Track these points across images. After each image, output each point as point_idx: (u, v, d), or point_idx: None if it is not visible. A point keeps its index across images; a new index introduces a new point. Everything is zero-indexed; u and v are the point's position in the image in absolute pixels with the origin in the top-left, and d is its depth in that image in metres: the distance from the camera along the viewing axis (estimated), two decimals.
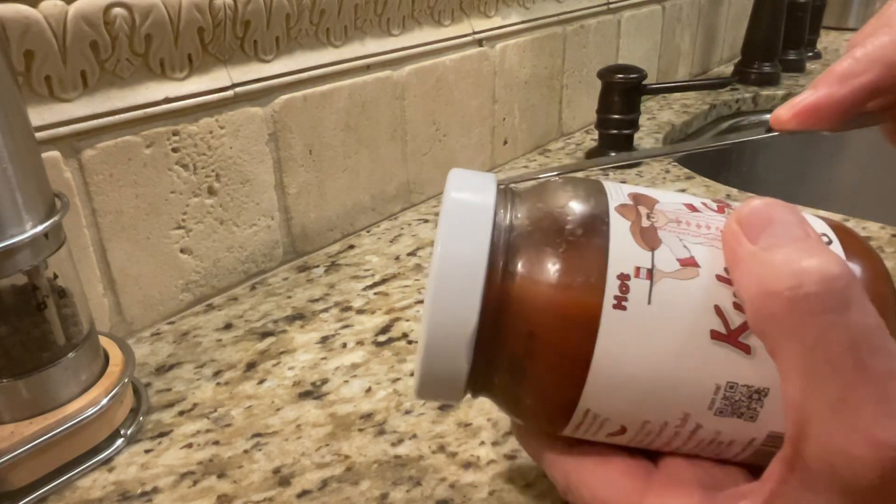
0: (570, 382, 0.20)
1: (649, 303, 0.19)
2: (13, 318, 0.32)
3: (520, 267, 0.20)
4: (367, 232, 0.60)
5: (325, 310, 0.48)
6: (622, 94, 0.72)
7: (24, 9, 0.36)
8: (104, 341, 0.38)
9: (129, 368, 0.37)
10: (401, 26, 0.58)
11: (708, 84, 0.81)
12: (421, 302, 0.48)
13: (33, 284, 0.32)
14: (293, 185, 0.53)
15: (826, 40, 1.35)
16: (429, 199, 0.66)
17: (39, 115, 0.38)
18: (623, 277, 0.19)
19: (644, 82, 0.72)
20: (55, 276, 0.33)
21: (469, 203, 0.21)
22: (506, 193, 0.22)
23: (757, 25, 1.01)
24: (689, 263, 0.20)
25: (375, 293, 0.50)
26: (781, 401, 0.18)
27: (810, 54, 1.17)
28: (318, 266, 0.54)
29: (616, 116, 0.73)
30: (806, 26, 1.11)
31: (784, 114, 0.25)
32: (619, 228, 0.20)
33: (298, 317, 0.47)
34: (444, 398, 0.23)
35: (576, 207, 0.21)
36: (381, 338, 0.44)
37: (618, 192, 0.22)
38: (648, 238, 0.20)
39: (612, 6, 0.85)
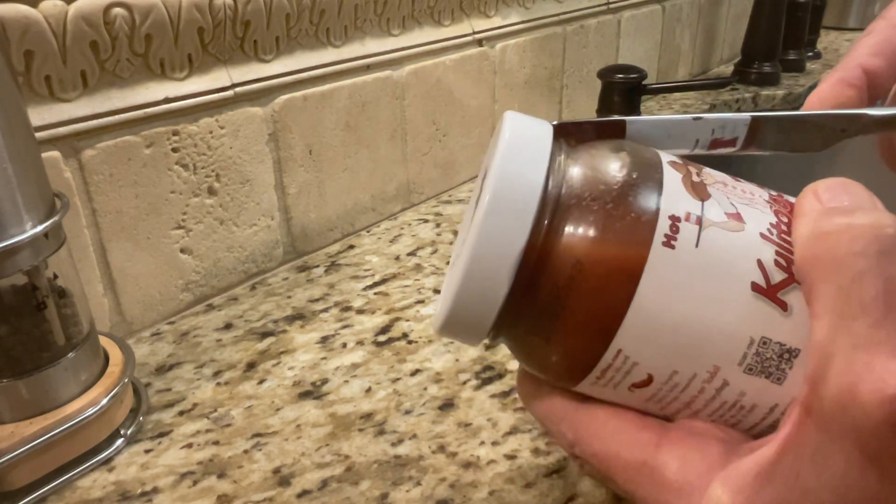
0: (610, 316, 0.20)
1: (697, 246, 0.20)
2: (13, 318, 0.32)
3: (574, 197, 0.21)
4: (367, 232, 0.60)
5: (325, 310, 0.48)
6: (622, 94, 0.72)
7: (24, 9, 0.36)
8: (104, 341, 0.38)
9: (129, 368, 0.37)
10: (401, 26, 0.58)
11: (708, 84, 0.81)
12: (421, 302, 0.48)
13: (33, 284, 0.32)
14: (293, 185, 0.53)
15: (826, 40, 1.35)
16: (429, 199, 0.66)
17: (39, 115, 0.38)
18: (674, 219, 0.20)
19: (644, 82, 0.72)
20: (55, 276, 0.33)
21: (528, 130, 0.21)
22: (562, 131, 0.23)
23: (757, 25, 1.01)
24: (736, 218, 0.21)
25: (375, 293, 0.50)
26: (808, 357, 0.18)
27: (810, 54, 1.17)
28: (318, 266, 0.54)
29: (616, 116, 0.72)
30: (806, 26, 1.11)
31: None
32: (672, 177, 0.21)
33: (298, 317, 0.47)
34: (467, 333, 0.22)
35: (631, 153, 0.22)
36: (381, 338, 0.44)
37: (666, 153, 0.23)
38: (699, 190, 0.21)
39: (612, 6, 0.85)
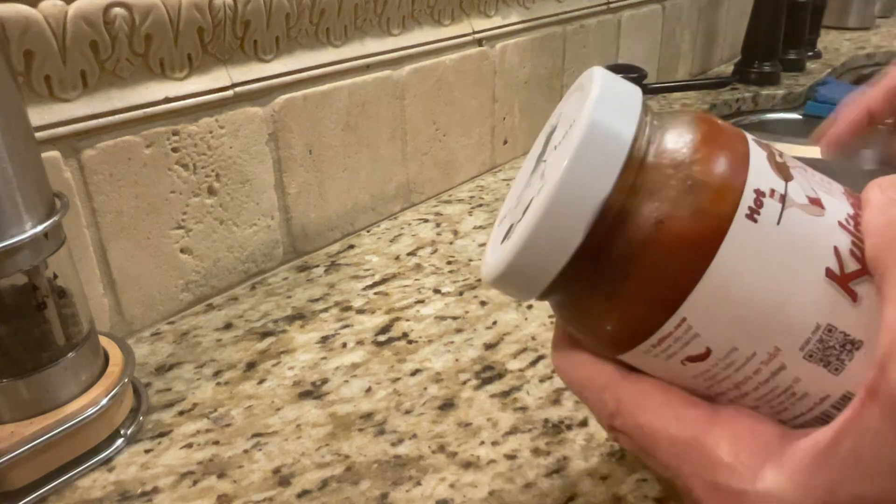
0: (682, 282, 0.19)
1: (778, 224, 0.20)
2: (13, 318, 0.32)
3: (661, 157, 0.20)
4: (367, 232, 0.60)
5: (325, 310, 0.48)
6: None
7: (24, 9, 0.36)
8: (104, 341, 0.38)
9: (129, 368, 0.37)
10: (401, 26, 0.58)
11: (708, 83, 0.81)
12: (421, 302, 0.48)
13: (33, 284, 0.32)
14: (293, 184, 0.53)
15: (826, 40, 1.35)
16: (429, 199, 0.66)
17: (39, 115, 0.38)
18: (759, 193, 0.20)
19: (644, 82, 0.72)
20: (55, 276, 0.33)
21: (619, 85, 0.21)
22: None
23: (757, 25, 1.01)
24: (817, 203, 0.20)
25: (375, 293, 0.50)
26: (872, 354, 0.18)
27: (810, 54, 1.17)
28: (318, 266, 0.54)
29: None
30: (806, 26, 1.11)
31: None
32: (757, 153, 0.21)
33: (298, 317, 0.47)
34: (523, 286, 0.21)
35: (720, 122, 0.22)
36: (381, 338, 0.44)
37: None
38: (782, 170, 0.21)
39: (612, 6, 0.85)
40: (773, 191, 0.20)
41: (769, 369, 0.20)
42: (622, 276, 0.20)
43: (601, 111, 0.20)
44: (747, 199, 0.20)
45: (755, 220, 0.19)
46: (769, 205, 0.20)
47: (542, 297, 0.22)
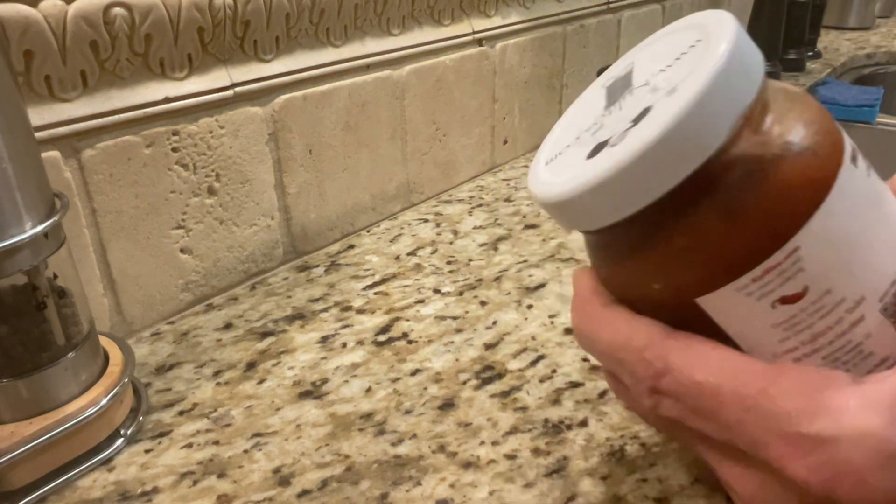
0: (801, 208, 0.20)
1: (868, 176, 0.21)
2: (13, 318, 0.32)
3: (787, 92, 0.22)
4: (367, 232, 0.60)
5: (325, 309, 0.48)
6: None
7: (24, 9, 0.36)
8: (104, 341, 0.38)
9: (129, 368, 0.37)
10: (401, 26, 0.58)
11: None
12: (421, 302, 0.48)
13: (33, 284, 0.32)
14: (293, 184, 0.53)
15: (826, 40, 1.35)
16: (429, 199, 0.66)
17: (39, 115, 0.38)
18: (853, 147, 0.21)
19: None
20: (55, 276, 0.33)
21: (744, 34, 0.22)
22: None
23: (757, 25, 1.01)
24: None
25: (375, 293, 0.50)
26: None
27: (810, 54, 1.17)
28: (318, 266, 0.54)
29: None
30: (806, 26, 1.11)
31: None
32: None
33: (298, 317, 0.47)
34: (621, 199, 0.20)
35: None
36: (381, 337, 0.44)
37: None
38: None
39: (612, 6, 0.85)
40: (855, 149, 0.21)
41: (850, 319, 0.20)
42: (744, 195, 0.20)
43: (739, 35, 0.21)
44: (848, 149, 0.21)
45: (856, 167, 0.21)
46: (861, 158, 0.21)
47: (613, 227, 0.21)
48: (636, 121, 0.20)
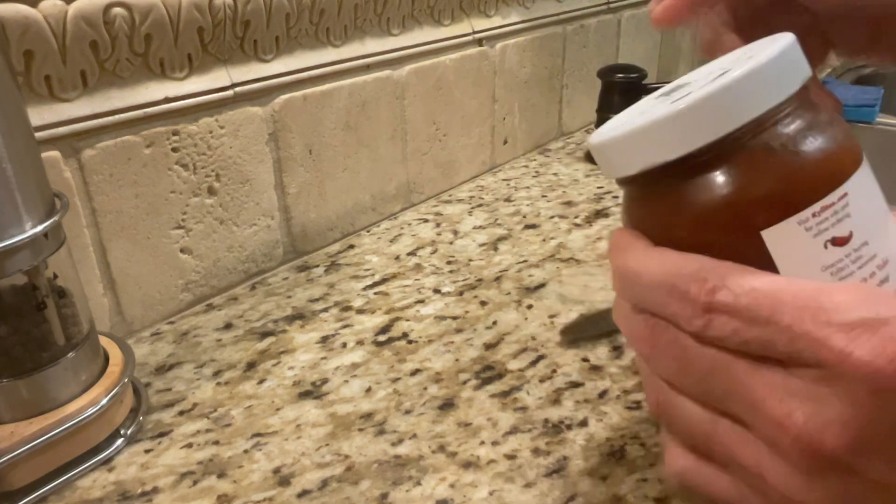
0: (849, 160, 0.23)
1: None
2: (13, 318, 0.32)
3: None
4: (367, 232, 0.60)
5: (325, 309, 0.48)
6: (622, 93, 0.72)
7: (24, 9, 0.36)
8: (104, 341, 0.38)
9: (128, 368, 0.37)
10: (401, 26, 0.58)
11: None
12: (421, 301, 0.48)
13: (33, 284, 0.32)
14: (293, 184, 0.53)
15: None
16: (429, 199, 0.66)
17: (39, 115, 0.38)
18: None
19: (644, 81, 0.72)
20: (55, 276, 0.33)
21: None
22: None
23: None
24: None
25: (375, 293, 0.50)
26: None
27: None
28: (318, 266, 0.54)
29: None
30: None
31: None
32: None
33: (298, 317, 0.47)
34: (717, 119, 0.23)
35: None
36: (381, 337, 0.44)
37: None
38: None
39: (612, 6, 0.85)
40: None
41: (880, 276, 0.23)
42: (812, 137, 0.23)
43: (784, 49, 0.24)
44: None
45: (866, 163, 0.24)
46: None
47: (689, 163, 0.24)
48: (722, 74, 0.23)
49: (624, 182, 0.26)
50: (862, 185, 0.23)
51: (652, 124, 0.23)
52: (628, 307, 0.24)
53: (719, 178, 0.23)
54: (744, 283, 0.20)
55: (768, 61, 0.23)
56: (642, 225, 0.26)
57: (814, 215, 0.22)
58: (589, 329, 0.45)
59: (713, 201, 0.23)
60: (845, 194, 0.23)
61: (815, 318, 0.19)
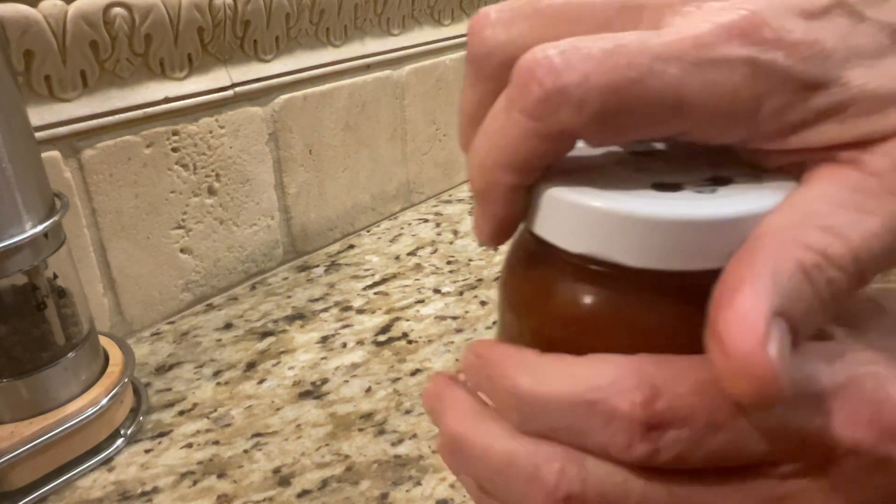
0: None
1: None
2: (13, 318, 0.32)
3: None
4: (367, 232, 0.60)
5: (325, 309, 0.48)
6: None
7: (24, 9, 0.36)
8: (104, 341, 0.38)
9: (128, 368, 0.37)
10: (401, 26, 0.58)
11: None
12: (421, 301, 0.48)
13: (33, 284, 0.32)
14: (293, 184, 0.53)
15: None
16: (429, 199, 0.66)
17: (39, 115, 0.38)
18: None
19: None
20: (55, 276, 0.33)
21: None
22: None
23: None
24: None
25: (375, 293, 0.50)
26: None
27: None
28: (318, 266, 0.54)
29: None
30: None
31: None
32: None
33: (298, 316, 0.47)
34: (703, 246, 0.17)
35: None
36: (381, 337, 0.44)
37: None
38: None
39: None
40: None
41: None
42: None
43: None
44: None
45: None
46: None
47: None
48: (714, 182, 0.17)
49: (574, 258, 0.17)
50: None
51: (679, 222, 0.16)
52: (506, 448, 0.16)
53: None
54: (680, 383, 0.14)
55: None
56: (537, 314, 0.18)
57: None
58: None
59: (671, 321, 0.16)
60: None
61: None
